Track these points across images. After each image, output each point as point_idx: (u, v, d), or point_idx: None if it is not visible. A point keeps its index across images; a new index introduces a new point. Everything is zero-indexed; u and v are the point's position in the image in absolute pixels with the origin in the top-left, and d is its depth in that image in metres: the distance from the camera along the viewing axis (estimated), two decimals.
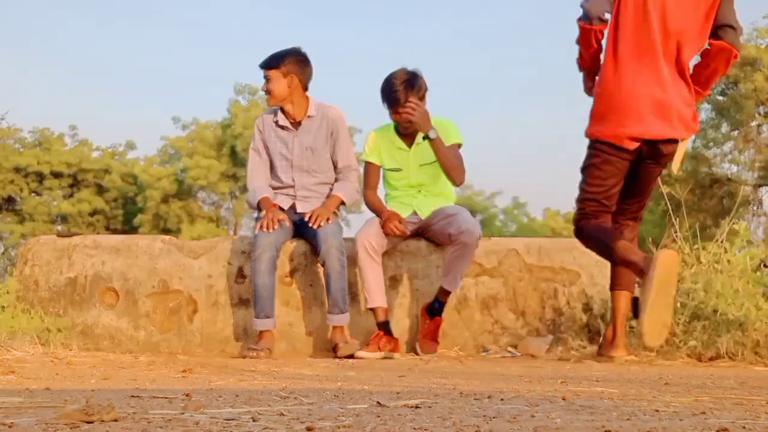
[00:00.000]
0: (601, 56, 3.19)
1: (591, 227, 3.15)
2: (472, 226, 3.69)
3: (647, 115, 3.04)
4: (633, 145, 3.07)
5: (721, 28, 3.05)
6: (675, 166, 3.11)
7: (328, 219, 3.74)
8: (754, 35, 17.87)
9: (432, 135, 3.76)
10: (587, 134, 3.19)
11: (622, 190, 3.19)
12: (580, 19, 3.09)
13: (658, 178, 3.38)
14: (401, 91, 3.77)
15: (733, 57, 3.05)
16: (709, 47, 3.09)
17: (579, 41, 3.17)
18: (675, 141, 3.07)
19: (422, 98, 3.83)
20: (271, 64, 3.84)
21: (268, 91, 3.87)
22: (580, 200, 3.21)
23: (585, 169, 3.21)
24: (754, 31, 17.86)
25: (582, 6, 3.08)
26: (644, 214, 3.46)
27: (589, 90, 3.30)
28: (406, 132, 3.92)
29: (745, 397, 1.87)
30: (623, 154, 3.09)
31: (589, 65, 3.24)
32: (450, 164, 3.83)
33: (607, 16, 3.09)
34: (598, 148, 3.14)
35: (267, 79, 3.85)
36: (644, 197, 3.30)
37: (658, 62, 3.06)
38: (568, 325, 3.76)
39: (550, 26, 51.97)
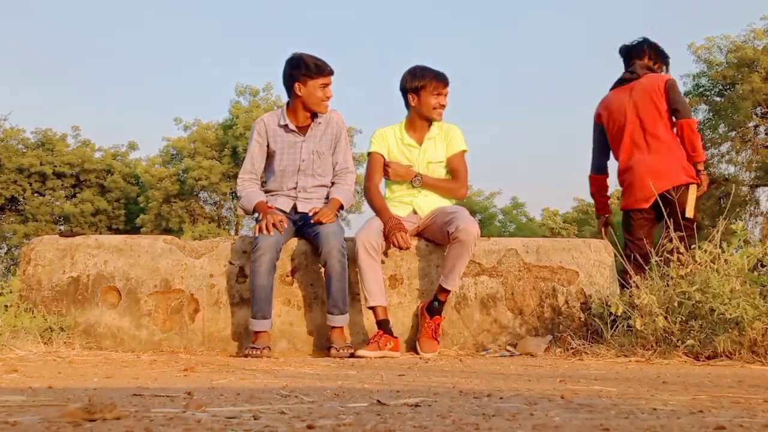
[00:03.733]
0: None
1: None
2: (469, 224, 3.70)
3: None
4: None
5: None
6: None
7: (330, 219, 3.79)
8: (751, 36, 17.84)
9: (416, 183, 3.98)
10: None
11: None
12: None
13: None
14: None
15: None
16: None
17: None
18: None
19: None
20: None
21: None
22: None
23: None
24: (752, 33, 17.83)
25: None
26: None
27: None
28: (438, 118, 4.02)
29: (743, 395, 1.88)
30: None
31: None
32: (444, 192, 4.03)
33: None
34: None
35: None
36: None
37: None
38: (567, 324, 3.77)
39: (550, 29, 51.91)
